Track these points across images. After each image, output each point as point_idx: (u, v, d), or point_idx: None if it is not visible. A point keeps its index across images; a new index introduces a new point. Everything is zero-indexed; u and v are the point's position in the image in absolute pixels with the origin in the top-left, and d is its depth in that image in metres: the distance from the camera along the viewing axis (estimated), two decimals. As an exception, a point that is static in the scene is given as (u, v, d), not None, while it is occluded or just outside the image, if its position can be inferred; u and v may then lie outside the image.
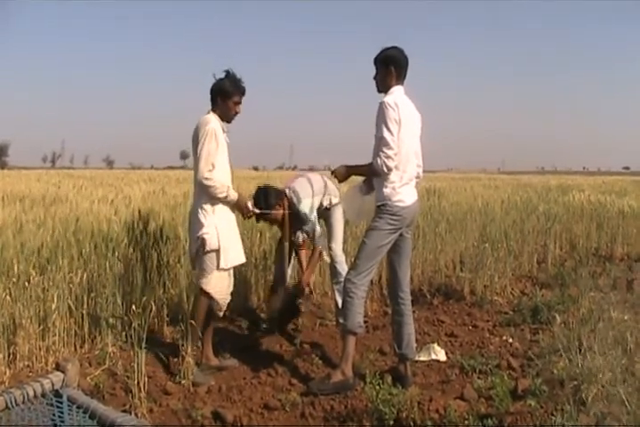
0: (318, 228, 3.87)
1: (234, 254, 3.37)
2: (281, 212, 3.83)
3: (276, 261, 4.36)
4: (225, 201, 3.30)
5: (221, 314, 3.47)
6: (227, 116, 3.38)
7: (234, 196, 3.33)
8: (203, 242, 3.23)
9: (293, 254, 4.20)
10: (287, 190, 3.91)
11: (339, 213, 4.14)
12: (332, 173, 3.33)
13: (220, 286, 3.33)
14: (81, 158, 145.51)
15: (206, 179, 3.20)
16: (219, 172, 3.25)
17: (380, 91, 3.23)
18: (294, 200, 3.84)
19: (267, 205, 3.77)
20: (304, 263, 4.01)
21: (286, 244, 4.10)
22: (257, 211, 3.61)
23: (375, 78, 3.26)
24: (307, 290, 4.03)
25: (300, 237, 3.96)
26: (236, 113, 3.41)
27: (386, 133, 3.02)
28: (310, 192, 3.91)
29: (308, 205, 3.83)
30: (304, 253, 4.04)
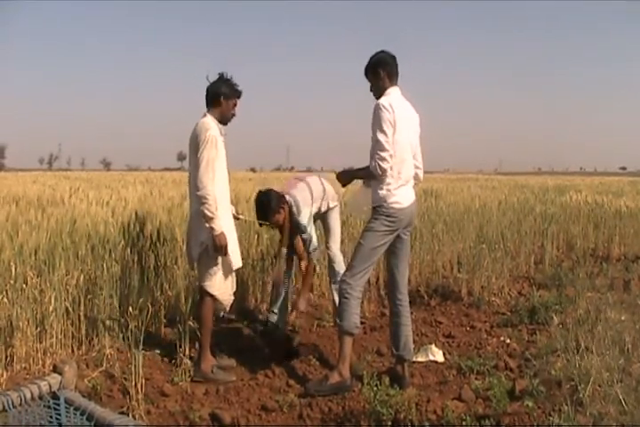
0: (315, 240, 3.83)
1: (236, 257, 3.38)
2: (283, 215, 3.81)
3: (276, 268, 4.24)
4: (207, 215, 3.14)
5: (228, 310, 3.51)
6: (226, 118, 3.37)
7: (218, 226, 3.16)
8: (214, 243, 3.18)
9: (294, 262, 4.13)
10: (287, 197, 3.83)
11: (336, 214, 4.17)
12: (337, 177, 3.35)
13: (224, 287, 3.35)
14: (78, 160, 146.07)
15: (204, 188, 3.11)
16: (218, 180, 3.20)
17: (378, 99, 3.21)
18: (294, 209, 3.79)
19: (270, 210, 3.75)
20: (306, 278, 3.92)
21: (284, 249, 4.03)
22: (258, 223, 3.76)
23: (371, 89, 3.27)
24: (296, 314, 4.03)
25: (300, 242, 3.92)
26: (233, 115, 3.41)
27: (380, 136, 3.01)
28: (310, 201, 3.88)
29: (307, 216, 3.80)
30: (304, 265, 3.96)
